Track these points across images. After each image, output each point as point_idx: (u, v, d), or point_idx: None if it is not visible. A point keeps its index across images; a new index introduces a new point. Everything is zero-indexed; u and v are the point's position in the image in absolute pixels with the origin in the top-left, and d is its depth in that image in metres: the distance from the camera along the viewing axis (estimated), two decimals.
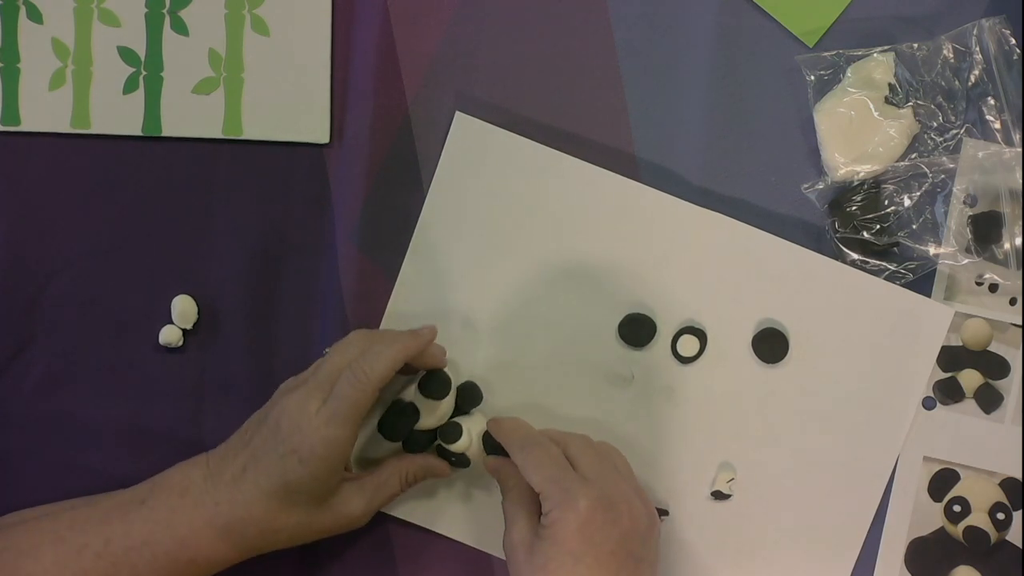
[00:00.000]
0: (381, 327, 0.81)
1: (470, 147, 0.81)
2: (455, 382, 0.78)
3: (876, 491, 0.79)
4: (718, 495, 0.80)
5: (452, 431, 0.76)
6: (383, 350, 0.72)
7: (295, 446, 0.70)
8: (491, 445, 0.76)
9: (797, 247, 0.79)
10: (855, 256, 0.79)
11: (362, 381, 0.71)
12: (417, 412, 0.76)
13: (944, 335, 0.79)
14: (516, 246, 0.81)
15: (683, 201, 0.80)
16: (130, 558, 0.70)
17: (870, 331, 0.79)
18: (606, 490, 0.70)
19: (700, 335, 0.80)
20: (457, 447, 0.76)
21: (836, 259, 0.79)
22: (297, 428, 0.70)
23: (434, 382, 0.76)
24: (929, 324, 0.79)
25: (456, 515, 0.80)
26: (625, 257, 0.80)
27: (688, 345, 0.80)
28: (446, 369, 0.77)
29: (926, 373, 0.79)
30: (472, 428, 0.77)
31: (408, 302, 0.81)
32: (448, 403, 0.77)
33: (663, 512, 0.79)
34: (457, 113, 0.81)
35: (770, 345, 0.80)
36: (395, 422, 0.76)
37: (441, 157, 0.81)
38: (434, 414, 0.76)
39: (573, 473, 0.70)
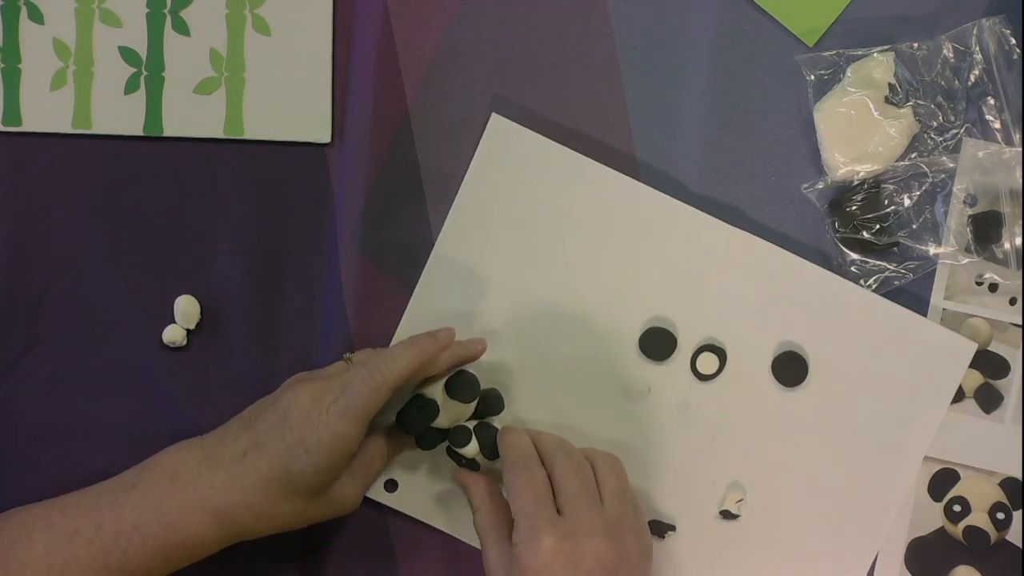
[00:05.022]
0: (401, 325, 0.80)
1: (503, 149, 0.80)
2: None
3: (883, 523, 0.79)
4: (726, 515, 0.80)
5: (461, 435, 0.76)
6: (400, 351, 0.73)
7: (302, 436, 0.70)
8: (491, 450, 0.75)
9: (824, 271, 0.79)
10: (855, 256, 0.79)
11: (377, 379, 0.71)
12: (437, 409, 0.75)
13: (964, 370, 0.79)
14: (541, 252, 0.80)
15: (715, 219, 0.79)
16: (120, 543, 0.70)
17: (891, 361, 0.79)
18: (574, 528, 0.69)
19: (720, 353, 0.79)
20: (466, 452, 0.76)
21: (836, 259, 0.79)
22: (307, 419, 0.71)
23: (463, 385, 0.75)
24: (951, 358, 0.79)
25: (457, 512, 0.80)
26: (650, 270, 0.80)
27: (708, 363, 0.79)
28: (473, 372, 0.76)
29: (943, 407, 0.79)
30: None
31: (430, 301, 0.80)
32: (471, 407, 0.76)
33: (669, 527, 0.79)
34: (493, 114, 0.80)
35: (790, 368, 0.79)
36: (414, 417, 0.76)
37: (474, 158, 0.80)
38: (453, 415, 0.76)
39: (545, 510, 0.70)
